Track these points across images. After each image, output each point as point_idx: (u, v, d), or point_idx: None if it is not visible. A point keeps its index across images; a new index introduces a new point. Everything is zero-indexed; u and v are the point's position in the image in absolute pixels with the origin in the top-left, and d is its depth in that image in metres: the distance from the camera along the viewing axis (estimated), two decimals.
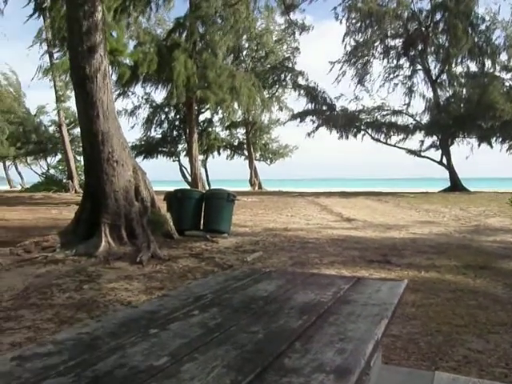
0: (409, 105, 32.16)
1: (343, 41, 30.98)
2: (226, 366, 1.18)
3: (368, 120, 33.13)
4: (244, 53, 34.62)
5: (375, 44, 31.46)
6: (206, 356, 1.24)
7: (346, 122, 32.01)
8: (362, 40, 30.99)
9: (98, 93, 7.18)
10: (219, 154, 39.16)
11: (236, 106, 28.81)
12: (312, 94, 33.15)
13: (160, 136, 34.63)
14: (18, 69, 67.25)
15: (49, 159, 42.16)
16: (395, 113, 32.64)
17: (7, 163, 46.21)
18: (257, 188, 37.00)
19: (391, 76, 32.20)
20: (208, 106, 30.05)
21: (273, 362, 1.24)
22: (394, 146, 33.52)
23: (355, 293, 2.06)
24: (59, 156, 39.06)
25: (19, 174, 47.81)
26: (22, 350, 1.21)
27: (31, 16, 14.27)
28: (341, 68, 31.98)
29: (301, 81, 34.13)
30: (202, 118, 34.40)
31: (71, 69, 7.94)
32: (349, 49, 31.47)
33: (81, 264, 6.42)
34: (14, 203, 18.03)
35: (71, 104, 31.92)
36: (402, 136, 32.84)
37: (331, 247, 7.98)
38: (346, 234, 9.71)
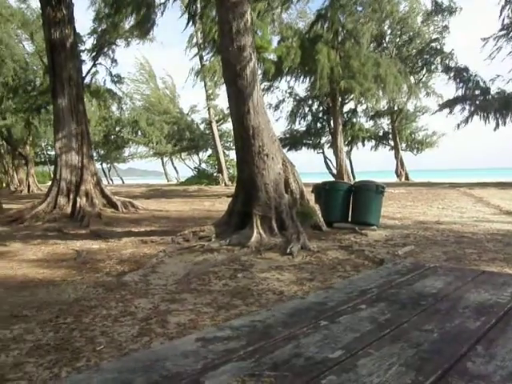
0: None
1: (501, 14, 28.11)
2: (403, 365, 1.13)
3: None
4: (387, 39, 33.34)
5: None
6: (381, 352, 1.20)
7: (502, 106, 29.03)
8: None
9: (248, 89, 7.47)
10: (363, 144, 38.38)
11: (381, 94, 27.93)
12: (462, 76, 30.71)
13: (304, 128, 34.97)
14: (172, 73, 73.10)
15: (200, 154, 45.04)
16: None
17: (164, 159, 50.40)
18: (403, 179, 35.53)
19: None
20: (352, 97, 29.55)
21: (454, 364, 1.16)
22: None
23: None
24: (209, 151, 41.53)
25: (175, 168, 51.86)
26: (204, 332, 1.28)
27: (187, 25, 15.45)
28: (495, 44, 29.02)
29: (450, 63, 31.82)
30: (345, 108, 33.98)
31: (223, 68, 8.35)
32: (507, 22, 28.44)
33: (234, 253, 6.75)
34: (171, 196, 19.58)
35: (220, 102, 33.73)
36: None
37: (490, 242, 7.34)
38: (506, 228, 8.86)
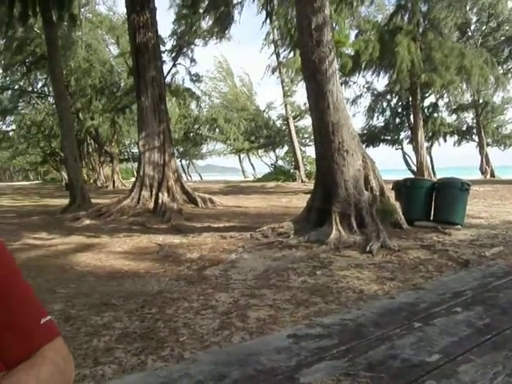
0: None
1: None
2: (510, 375, 1.06)
3: None
4: (472, 27, 31.59)
5: None
6: (484, 360, 1.13)
7: None
8: None
9: (327, 84, 7.39)
10: (445, 140, 36.66)
11: (464, 87, 26.56)
12: None
13: (382, 124, 34.04)
14: (249, 70, 74.04)
15: (277, 151, 45.17)
16: None
17: (241, 156, 51.11)
18: (489, 176, 33.61)
19: None
20: (433, 90, 28.35)
21: None
22: None
23: None
24: (286, 148, 41.55)
25: (252, 165, 52.39)
26: (294, 328, 1.27)
27: (265, 21, 15.55)
28: None
29: None
30: (426, 103, 32.66)
31: (302, 63, 8.32)
32: None
33: (313, 250, 6.71)
34: (248, 192, 19.81)
35: (296, 98, 33.64)
36: None
37: None
38: None
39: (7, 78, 27.62)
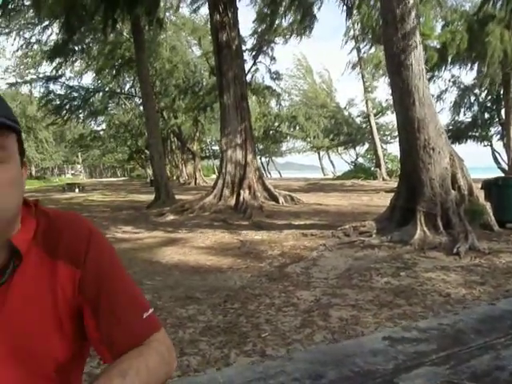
0: None
1: None
2: None
3: None
4: None
5: None
6: None
7: None
8: None
9: (413, 79, 7.11)
10: None
11: None
12: None
13: (469, 120, 32.30)
14: (329, 67, 73.15)
15: (357, 148, 44.35)
16: None
17: (321, 153, 50.67)
18: None
19: None
20: None
21: None
22: None
23: None
24: (367, 145, 40.67)
25: (331, 162, 51.85)
26: (389, 331, 1.23)
27: (346, 17, 15.32)
28: None
29: None
30: None
31: (386, 58, 8.08)
32: None
33: (396, 251, 6.51)
34: (328, 190, 19.62)
35: (377, 94, 32.79)
36: None
37: None
38: None
39: (99, 81, 29.21)
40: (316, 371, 0.95)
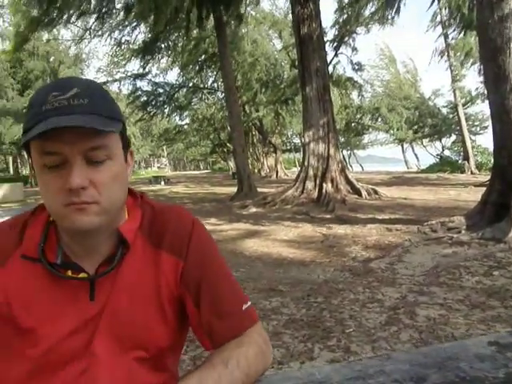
0: None
1: None
2: None
3: None
4: None
5: None
6: None
7: None
8: None
9: (510, 65, 6.64)
10: None
11: None
12: None
13: None
14: (413, 56, 70.30)
15: (443, 140, 42.44)
16: None
17: (404, 146, 49.04)
18: None
19: None
20: None
21: None
22: None
23: None
24: (453, 137, 38.80)
25: (415, 155, 50.02)
26: (495, 336, 1.15)
27: (432, 3, 14.67)
28: None
29: None
30: None
31: (479, 43, 7.60)
32: None
33: (488, 248, 6.15)
34: (412, 183, 18.94)
35: (466, 83, 31.05)
36: None
37: None
38: None
39: (183, 77, 30.14)
40: (417, 373, 0.91)
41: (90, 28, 20.00)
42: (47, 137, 0.77)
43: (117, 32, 21.71)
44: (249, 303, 0.97)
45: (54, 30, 21.33)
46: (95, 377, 0.86)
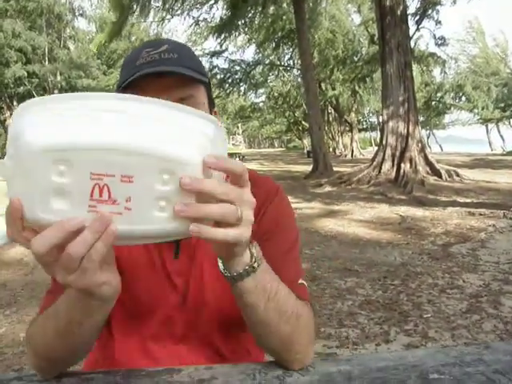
0: None
1: None
2: None
3: None
4: None
5: None
6: None
7: None
8: None
9: None
10: None
11: None
12: None
13: None
14: (505, 28, 65.55)
15: None
16: None
17: (489, 126, 46.35)
18: None
19: None
20: None
21: None
22: None
23: None
24: None
25: (501, 137, 47.17)
26: None
27: None
28: None
29: None
30: None
31: None
32: None
33: None
34: (497, 166, 17.95)
35: None
36: None
37: None
38: None
39: (259, 55, 30.11)
40: None
41: (172, 8, 20.42)
42: (141, 87, 0.82)
43: (195, 10, 22.07)
44: (303, 280, 0.95)
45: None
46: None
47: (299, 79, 30.63)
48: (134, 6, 17.34)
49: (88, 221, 0.52)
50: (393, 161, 11.55)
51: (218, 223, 0.57)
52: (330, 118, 36.28)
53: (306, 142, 38.39)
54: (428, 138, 51.28)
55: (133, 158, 0.51)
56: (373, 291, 4.07)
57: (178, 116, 0.56)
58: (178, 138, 0.53)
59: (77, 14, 36.62)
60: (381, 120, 13.50)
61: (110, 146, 0.50)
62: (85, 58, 34.75)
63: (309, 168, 15.70)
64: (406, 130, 11.61)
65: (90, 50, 30.82)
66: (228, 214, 0.56)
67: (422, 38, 27.31)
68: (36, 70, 31.23)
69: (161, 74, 0.82)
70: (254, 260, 0.72)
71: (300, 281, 0.94)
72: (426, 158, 11.60)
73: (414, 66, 26.64)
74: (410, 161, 11.31)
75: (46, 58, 32.29)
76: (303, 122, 34.83)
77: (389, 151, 11.65)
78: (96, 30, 37.52)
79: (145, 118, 0.54)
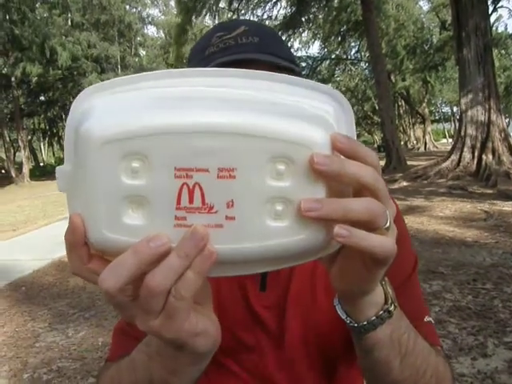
0: None
1: None
2: None
3: None
4: None
5: None
6: None
7: None
8: None
9: None
10: None
11: None
12: None
13: None
14: None
15: None
16: None
17: None
18: None
19: None
20: None
21: None
22: None
23: None
24: None
25: None
26: None
27: None
28: None
29: None
30: None
31: None
32: None
33: None
34: None
35: None
36: None
37: None
38: None
39: (325, 50, 29.75)
40: None
41: (237, 9, 20.58)
42: None
43: (259, 10, 22.15)
44: (430, 318, 0.74)
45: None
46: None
47: (367, 72, 29.93)
48: (199, 8, 17.60)
49: (175, 240, 0.35)
50: (473, 152, 10.82)
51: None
52: (401, 111, 35.19)
53: (377, 136, 37.52)
54: (508, 126, 48.45)
55: (235, 142, 0.34)
56: (462, 296, 3.73)
57: (294, 90, 0.40)
58: (296, 115, 0.36)
59: (146, 21, 38.04)
60: (455, 110, 12.78)
61: (200, 127, 0.34)
62: (154, 64, 35.90)
63: (381, 163, 15.11)
64: (487, 118, 10.82)
65: (160, 55, 31.82)
66: (378, 213, 0.36)
67: (502, 19, 25.81)
68: (111, 78, 32.58)
69: (239, 64, 0.60)
70: (390, 301, 0.51)
71: (426, 318, 0.72)
72: (510, 148, 10.77)
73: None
74: (493, 151, 10.54)
75: (119, 66, 33.54)
76: (373, 116, 34.00)
77: (468, 142, 10.92)
78: (164, 35, 38.76)
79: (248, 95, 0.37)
